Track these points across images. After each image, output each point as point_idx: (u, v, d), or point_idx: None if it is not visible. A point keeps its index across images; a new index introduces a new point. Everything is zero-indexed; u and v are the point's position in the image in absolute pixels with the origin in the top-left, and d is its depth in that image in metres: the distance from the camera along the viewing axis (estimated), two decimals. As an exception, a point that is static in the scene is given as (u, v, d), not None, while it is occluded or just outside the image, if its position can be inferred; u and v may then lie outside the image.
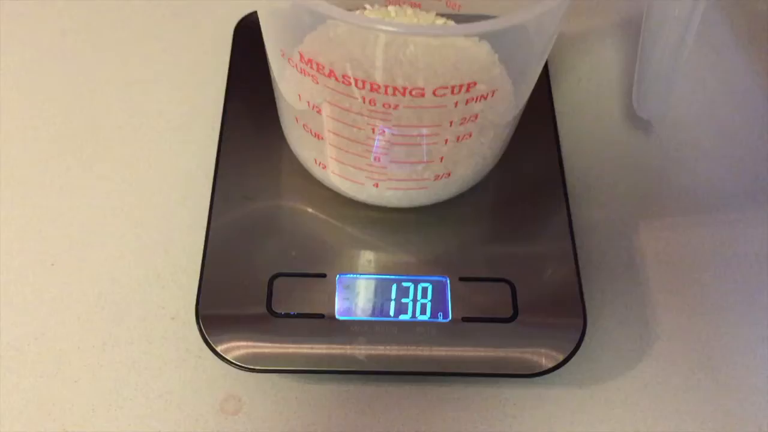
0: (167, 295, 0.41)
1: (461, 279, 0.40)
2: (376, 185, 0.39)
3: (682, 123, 0.50)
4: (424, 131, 0.34)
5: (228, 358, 0.37)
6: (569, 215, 0.42)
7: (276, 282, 0.39)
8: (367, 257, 0.41)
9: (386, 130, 0.34)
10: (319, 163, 0.39)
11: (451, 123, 0.34)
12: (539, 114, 0.46)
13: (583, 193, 0.46)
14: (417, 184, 0.38)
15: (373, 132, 0.34)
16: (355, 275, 0.40)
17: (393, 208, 0.42)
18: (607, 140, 0.49)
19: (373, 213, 0.42)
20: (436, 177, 0.38)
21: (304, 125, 0.37)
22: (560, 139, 0.46)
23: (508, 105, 0.37)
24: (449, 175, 0.38)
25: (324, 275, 0.40)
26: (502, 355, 0.38)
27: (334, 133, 0.36)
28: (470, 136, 0.36)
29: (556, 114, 0.47)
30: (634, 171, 0.47)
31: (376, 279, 0.40)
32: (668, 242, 0.45)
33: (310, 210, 0.42)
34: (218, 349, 0.37)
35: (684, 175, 0.47)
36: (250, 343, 0.38)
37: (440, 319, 0.39)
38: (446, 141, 0.35)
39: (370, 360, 0.37)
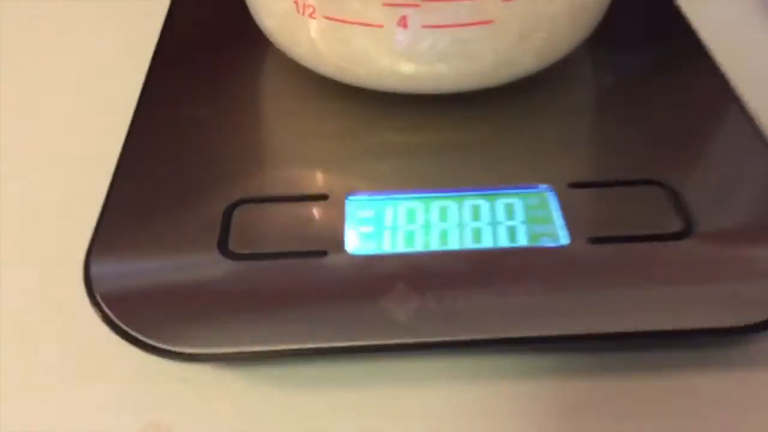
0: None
1: (572, 186, 0.22)
2: (403, 21, 0.22)
3: None
4: None
5: (142, 337, 0.19)
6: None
7: (236, 213, 0.22)
8: (392, 165, 0.23)
9: None
10: (303, 8, 0.23)
11: None
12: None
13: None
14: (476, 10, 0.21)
15: None
16: (377, 195, 0.22)
17: (428, 95, 0.24)
18: None
19: (396, 104, 0.25)
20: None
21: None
22: None
23: None
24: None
25: (324, 197, 0.22)
26: (680, 299, 0.19)
27: None
28: None
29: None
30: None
31: (417, 197, 0.22)
32: None
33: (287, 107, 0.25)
34: (120, 321, 0.19)
35: None
36: (183, 309, 0.19)
37: (548, 244, 0.20)
38: None
39: (421, 323, 0.19)
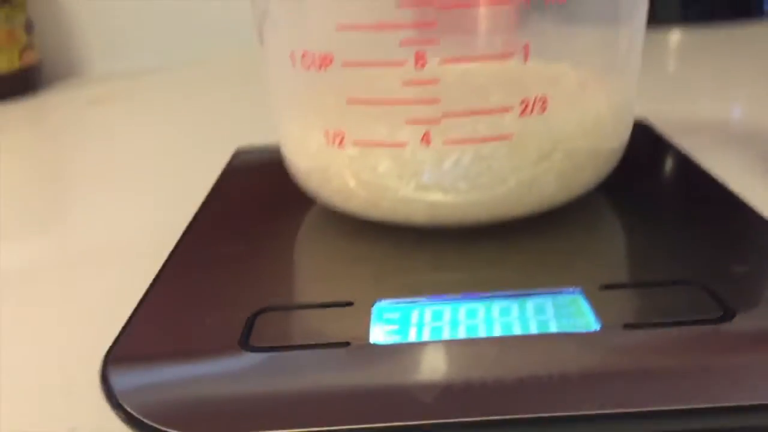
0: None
1: (605, 288, 0.21)
2: (426, 139, 0.23)
3: None
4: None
5: (154, 424, 0.18)
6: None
7: (260, 318, 0.21)
8: (420, 276, 0.23)
9: None
10: (333, 138, 0.24)
11: None
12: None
13: None
14: (503, 123, 0.23)
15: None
16: (404, 300, 0.22)
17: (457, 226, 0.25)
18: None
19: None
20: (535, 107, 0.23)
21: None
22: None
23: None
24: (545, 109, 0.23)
25: (350, 304, 0.22)
26: (727, 377, 0.18)
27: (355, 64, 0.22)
28: None
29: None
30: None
31: (445, 302, 0.22)
32: None
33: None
34: (131, 407, 0.18)
35: None
36: (203, 401, 0.18)
37: (580, 330, 0.19)
38: None
39: (447, 404, 0.17)
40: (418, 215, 0.25)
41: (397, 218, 0.25)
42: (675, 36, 0.61)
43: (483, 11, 0.22)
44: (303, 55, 0.24)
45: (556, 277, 0.22)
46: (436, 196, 0.24)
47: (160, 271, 0.24)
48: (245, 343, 0.20)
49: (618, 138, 0.26)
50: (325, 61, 0.23)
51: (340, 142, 0.24)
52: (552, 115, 0.23)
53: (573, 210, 0.26)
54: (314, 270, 0.25)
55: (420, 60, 0.22)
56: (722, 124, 0.33)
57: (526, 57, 0.22)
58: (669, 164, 0.31)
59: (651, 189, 0.29)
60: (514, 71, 0.23)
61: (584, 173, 0.25)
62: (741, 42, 0.54)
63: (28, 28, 0.62)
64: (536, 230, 0.25)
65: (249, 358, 0.19)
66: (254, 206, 0.30)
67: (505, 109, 0.23)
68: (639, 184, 0.29)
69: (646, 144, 0.33)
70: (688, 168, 0.30)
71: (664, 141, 0.33)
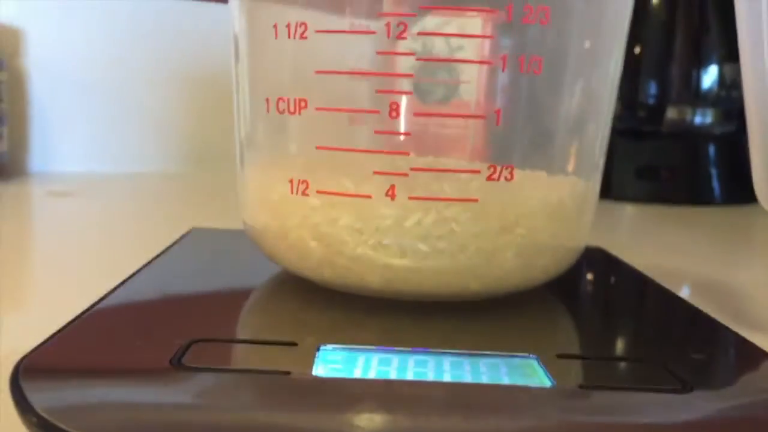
0: None
1: (561, 357, 0.21)
2: (392, 193, 0.23)
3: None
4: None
5: None
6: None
7: (196, 346, 0.20)
8: (368, 336, 0.22)
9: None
10: (298, 186, 0.24)
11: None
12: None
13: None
14: (470, 184, 0.23)
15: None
16: (352, 348, 0.21)
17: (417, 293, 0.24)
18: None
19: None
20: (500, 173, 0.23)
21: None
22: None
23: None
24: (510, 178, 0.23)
25: (293, 344, 0.21)
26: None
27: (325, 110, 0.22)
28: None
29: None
30: None
31: (394, 351, 0.20)
32: None
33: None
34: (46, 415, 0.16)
35: None
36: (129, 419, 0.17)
37: (533, 384, 0.18)
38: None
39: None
40: (373, 277, 0.24)
41: (350, 280, 0.24)
42: (628, 209, 0.64)
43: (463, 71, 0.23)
44: (278, 99, 0.24)
45: (510, 347, 0.21)
46: (394, 258, 0.23)
47: (101, 299, 0.23)
48: (177, 363, 0.18)
49: (578, 233, 0.27)
50: (300, 106, 0.23)
51: (304, 191, 0.24)
52: (517, 186, 0.23)
53: (529, 297, 0.26)
54: (260, 317, 0.24)
55: (394, 110, 0.22)
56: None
57: (497, 120, 0.23)
58: (622, 275, 0.32)
59: (605, 290, 0.29)
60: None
61: (543, 259, 0.25)
62: (691, 222, 0.57)
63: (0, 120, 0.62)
64: (492, 311, 0.25)
65: (180, 377, 0.18)
66: (207, 266, 0.29)
67: (474, 171, 0.23)
68: (593, 286, 0.29)
69: (600, 260, 0.33)
70: (641, 278, 0.30)
71: (618, 260, 0.34)
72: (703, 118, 0.70)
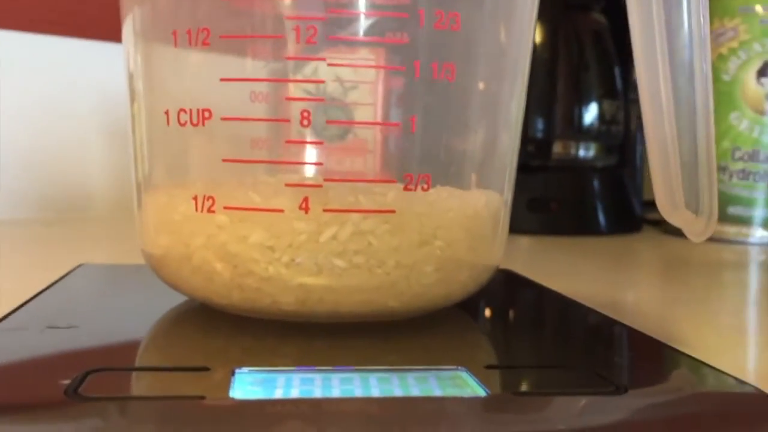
0: None
1: (491, 367, 0.20)
2: (305, 206, 0.21)
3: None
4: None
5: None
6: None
7: (96, 375, 0.18)
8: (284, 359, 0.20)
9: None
10: (203, 203, 0.22)
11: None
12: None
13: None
14: (381, 197, 0.22)
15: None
16: (272, 369, 0.19)
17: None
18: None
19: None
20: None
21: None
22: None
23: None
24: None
25: (205, 369, 0.19)
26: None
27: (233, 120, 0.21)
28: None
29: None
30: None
31: (316, 371, 0.19)
32: None
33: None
34: None
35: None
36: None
37: (467, 395, 0.17)
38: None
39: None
40: (287, 298, 0.22)
41: (262, 303, 0.23)
42: (523, 241, 0.65)
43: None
44: (179, 111, 0.22)
45: (436, 362, 0.20)
46: (309, 277, 0.22)
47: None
48: (73, 394, 0.16)
49: (493, 248, 0.26)
50: (203, 117, 0.22)
51: (210, 208, 0.22)
52: (434, 196, 0.23)
53: (445, 315, 0.25)
54: (164, 346, 0.22)
55: (306, 118, 0.21)
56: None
57: (412, 128, 0.22)
58: (533, 292, 0.31)
59: (519, 306, 0.29)
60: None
61: (462, 274, 0.24)
62: (580, 250, 0.59)
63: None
64: (410, 329, 0.24)
65: (78, 409, 0.16)
66: (100, 299, 0.27)
67: (390, 181, 0.22)
68: (506, 302, 0.29)
69: (510, 278, 0.33)
70: (552, 294, 0.30)
71: (526, 279, 0.33)
72: (587, 151, 0.72)
